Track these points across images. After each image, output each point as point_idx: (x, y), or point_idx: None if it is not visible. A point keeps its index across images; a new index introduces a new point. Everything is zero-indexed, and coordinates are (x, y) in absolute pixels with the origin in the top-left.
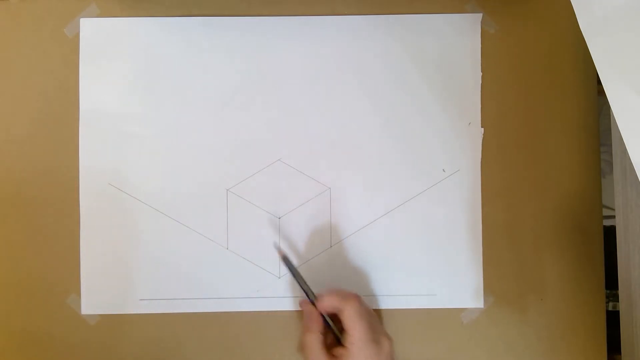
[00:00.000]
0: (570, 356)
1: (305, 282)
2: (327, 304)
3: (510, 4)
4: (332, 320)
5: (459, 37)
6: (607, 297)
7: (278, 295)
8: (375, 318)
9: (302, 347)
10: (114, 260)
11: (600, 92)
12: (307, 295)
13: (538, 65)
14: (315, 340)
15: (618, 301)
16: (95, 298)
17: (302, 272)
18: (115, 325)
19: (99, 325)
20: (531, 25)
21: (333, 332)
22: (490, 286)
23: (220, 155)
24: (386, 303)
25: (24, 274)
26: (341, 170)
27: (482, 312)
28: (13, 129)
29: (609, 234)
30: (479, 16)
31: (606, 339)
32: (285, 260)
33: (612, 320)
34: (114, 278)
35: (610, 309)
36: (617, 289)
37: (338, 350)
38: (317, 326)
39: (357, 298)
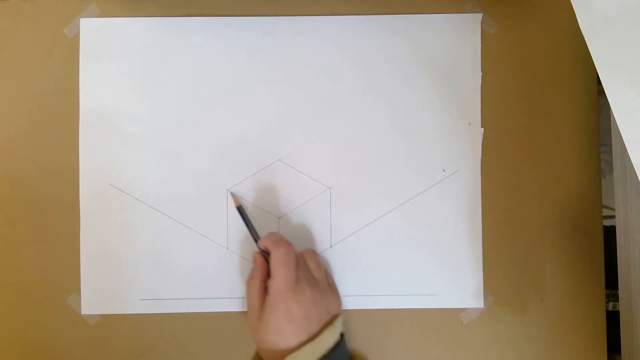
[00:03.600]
0: (570, 356)
1: (256, 231)
2: (261, 244)
3: (510, 4)
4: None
5: (459, 37)
6: (607, 297)
7: None
8: (305, 267)
9: (246, 290)
10: (114, 260)
11: (600, 92)
12: (256, 243)
13: (538, 65)
14: (254, 286)
15: (618, 301)
16: (95, 298)
17: None
18: (115, 325)
19: (99, 325)
20: (531, 25)
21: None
22: (490, 286)
23: (220, 155)
24: (386, 303)
25: (24, 274)
26: (341, 170)
27: (482, 312)
28: (13, 129)
29: (609, 234)
30: (479, 16)
31: (606, 339)
32: (240, 210)
33: (612, 320)
34: (114, 278)
35: (610, 309)
36: (617, 289)
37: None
38: (258, 273)
39: (285, 245)
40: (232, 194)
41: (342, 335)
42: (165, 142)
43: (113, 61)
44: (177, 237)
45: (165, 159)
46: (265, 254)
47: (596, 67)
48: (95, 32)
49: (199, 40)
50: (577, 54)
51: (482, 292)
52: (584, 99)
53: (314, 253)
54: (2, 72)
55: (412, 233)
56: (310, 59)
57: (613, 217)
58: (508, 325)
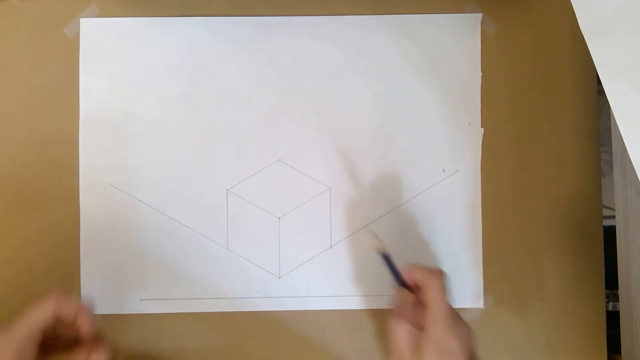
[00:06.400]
0: (570, 356)
1: (397, 269)
2: (410, 277)
3: (510, 4)
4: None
5: (459, 37)
6: (607, 297)
7: (278, 295)
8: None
9: (389, 333)
10: (114, 260)
11: (600, 92)
12: (400, 282)
13: (538, 65)
14: (404, 329)
15: (618, 301)
16: (95, 298)
17: (303, 271)
18: (115, 325)
19: (99, 325)
20: (531, 25)
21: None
22: (490, 286)
23: (220, 155)
24: (386, 303)
25: (24, 274)
26: (341, 170)
27: (482, 312)
28: (13, 129)
29: (609, 234)
30: (479, 16)
31: (606, 339)
32: (385, 256)
33: (612, 320)
34: (114, 278)
35: (610, 309)
36: (617, 289)
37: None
38: (408, 314)
39: (442, 273)
40: (375, 236)
41: None
42: (165, 142)
43: (113, 61)
44: (177, 237)
45: (165, 158)
46: (406, 287)
47: (596, 67)
48: (95, 32)
49: (198, 41)
50: (577, 54)
51: (482, 292)
52: (584, 99)
53: None
54: (2, 72)
55: (412, 233)
56: (310, 59)
57: (613, 217)
58: (508, 325)
